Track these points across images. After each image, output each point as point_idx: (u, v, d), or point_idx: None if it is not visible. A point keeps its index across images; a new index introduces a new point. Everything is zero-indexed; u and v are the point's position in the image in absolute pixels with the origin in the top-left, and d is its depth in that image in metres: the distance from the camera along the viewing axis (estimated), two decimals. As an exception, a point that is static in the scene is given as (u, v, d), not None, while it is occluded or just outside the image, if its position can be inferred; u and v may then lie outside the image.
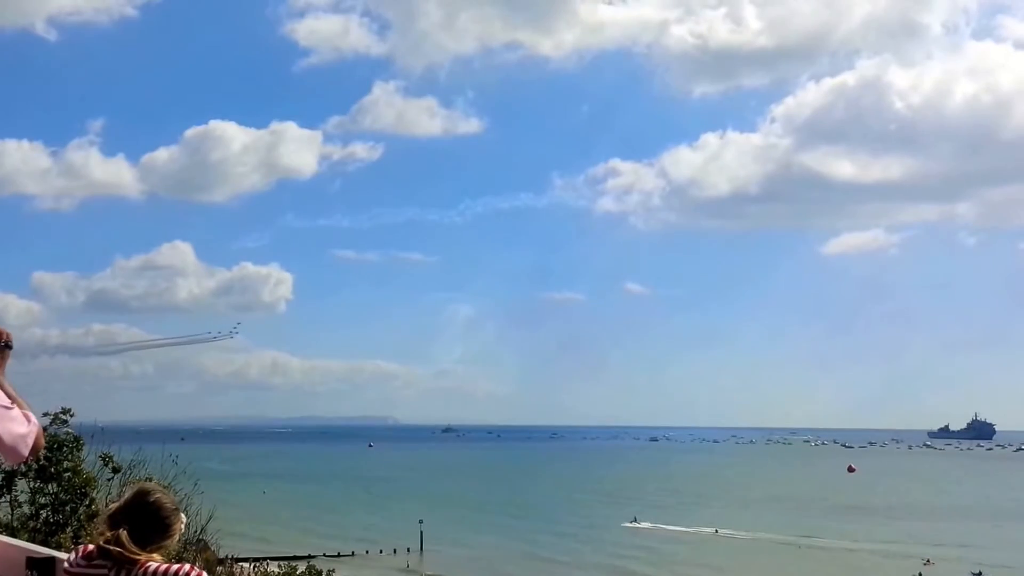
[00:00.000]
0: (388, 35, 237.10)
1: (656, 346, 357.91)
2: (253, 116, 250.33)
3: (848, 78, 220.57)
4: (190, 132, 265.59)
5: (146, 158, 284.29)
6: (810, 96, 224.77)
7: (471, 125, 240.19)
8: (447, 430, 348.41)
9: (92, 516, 11.56)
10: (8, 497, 12.46)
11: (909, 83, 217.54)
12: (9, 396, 3.93)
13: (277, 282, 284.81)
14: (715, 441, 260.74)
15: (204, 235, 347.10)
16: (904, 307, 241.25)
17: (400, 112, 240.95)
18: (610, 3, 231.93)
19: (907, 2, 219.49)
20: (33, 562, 4.59)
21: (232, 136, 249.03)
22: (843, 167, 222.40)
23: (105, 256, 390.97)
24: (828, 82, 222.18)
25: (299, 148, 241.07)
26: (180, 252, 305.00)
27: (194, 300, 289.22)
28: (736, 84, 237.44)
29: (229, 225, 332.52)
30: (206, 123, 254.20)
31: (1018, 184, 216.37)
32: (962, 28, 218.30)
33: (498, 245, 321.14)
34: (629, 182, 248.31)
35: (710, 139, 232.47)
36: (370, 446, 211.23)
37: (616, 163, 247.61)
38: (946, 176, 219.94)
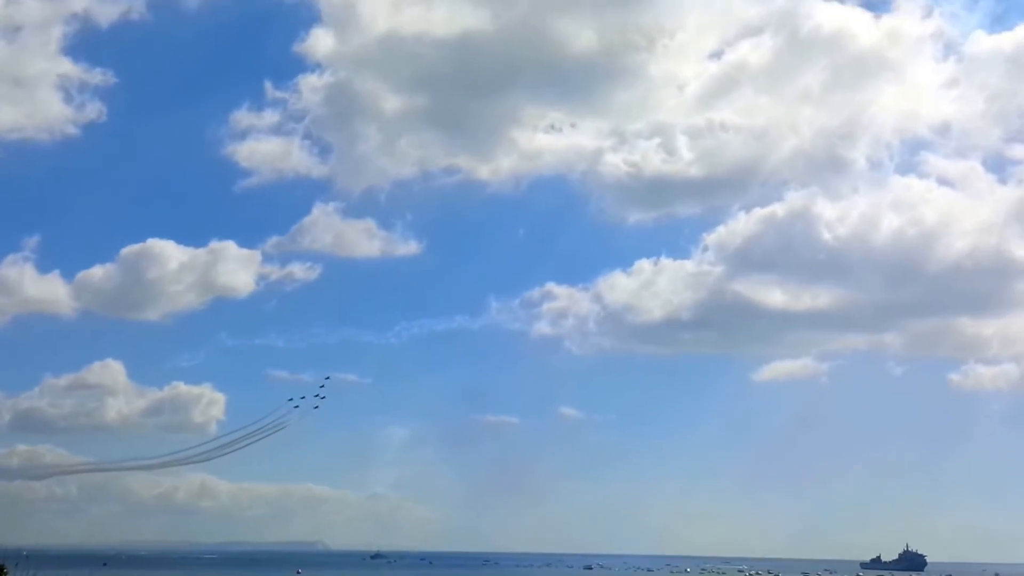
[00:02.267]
0: (329, 158, 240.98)
1: (590, 471, 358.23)
2: (192, 235, 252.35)
3: (778, 209, 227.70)
4: (127, 250, 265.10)
5: (81, 275, 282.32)
6: (741, 225, 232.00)
7: (409, 247, 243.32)
8: (376, 556, 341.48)
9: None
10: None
11: (836, 215, 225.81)
12: None
13: (209, 402, 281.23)
14: (649, 570, 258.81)
15: (136, 354, 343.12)
16: (834, 435, 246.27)
17: (339, 233, 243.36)
18: (547, 131, 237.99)
19: (832, 138, 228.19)
20: None
21: (170, 255, 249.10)
22: (774, 295, 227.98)
23: (34, 374, 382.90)
24: (758, 212, 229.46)
25: (237, 267, 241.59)
26: (111, 371, 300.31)
27: (123, 420, 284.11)
28: (670, 212, 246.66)
29: (163, 344, 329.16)
30: (144, 241, 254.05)
31: (943, 316, 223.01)
32: (886, 163, 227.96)
33: (433, 367, 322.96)
34: (564, 306, 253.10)
35: (644, 265, 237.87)
36: (298, 573, 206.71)
37: (552, 287, 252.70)
38: (874, 306, 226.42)
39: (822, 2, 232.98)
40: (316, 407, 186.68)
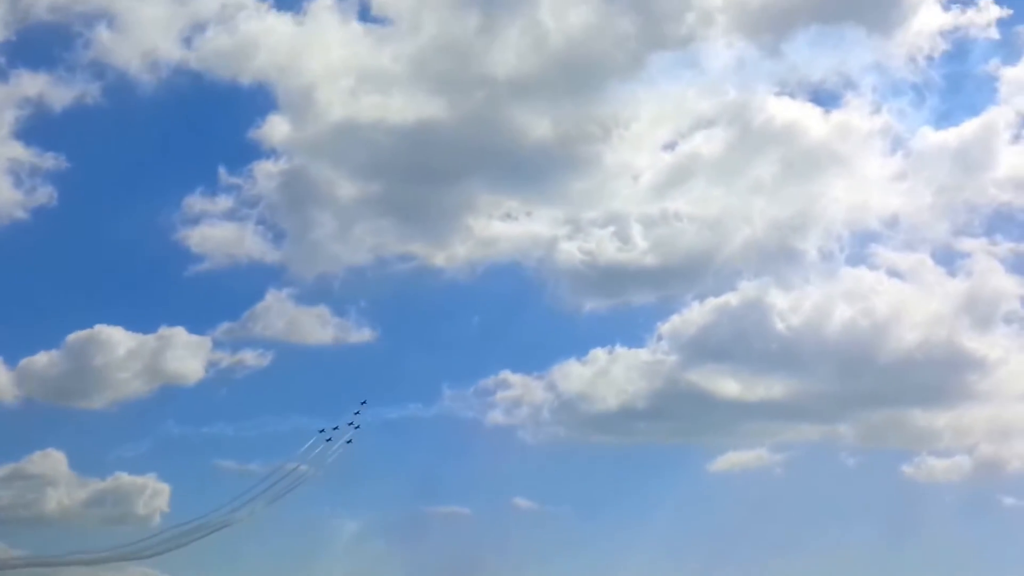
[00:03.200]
0: (283, 243, 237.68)
1: (543, 563, 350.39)
2: (141, 321, 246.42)
3: (731, 298, 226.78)
4: (73, 336, 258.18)
5: (25, 362, 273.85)
6: (695, 314, 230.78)
7: (362, 334, 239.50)
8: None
9: None
10: None
11: (789, 305, 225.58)
12: None
13: (153, 493, 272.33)
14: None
15: (79, 443, 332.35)
16: (789, 527, 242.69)
17: (292, 319, 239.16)
18: (503, 219, 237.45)
19: (784, 228, 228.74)
20: None
21: (118, 341, 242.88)
22: (728, 385, 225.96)
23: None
24: (712, 301, 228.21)
25: (186, 354, 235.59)
26: (52, 461, 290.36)
27: (63, 512, 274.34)
28: (624, 300, 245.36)
29: (107, 433, 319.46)
30: (92, 327, 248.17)
31: (896, 407, 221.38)
32: (837, 255, 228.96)
33: (385, 456, 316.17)
34: (519, 395, 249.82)
35: (599, 354, 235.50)
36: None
37: (507, 375, 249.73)
38: (827, 397, 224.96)
39: (774, 97, 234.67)
40: (349, 440, 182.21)
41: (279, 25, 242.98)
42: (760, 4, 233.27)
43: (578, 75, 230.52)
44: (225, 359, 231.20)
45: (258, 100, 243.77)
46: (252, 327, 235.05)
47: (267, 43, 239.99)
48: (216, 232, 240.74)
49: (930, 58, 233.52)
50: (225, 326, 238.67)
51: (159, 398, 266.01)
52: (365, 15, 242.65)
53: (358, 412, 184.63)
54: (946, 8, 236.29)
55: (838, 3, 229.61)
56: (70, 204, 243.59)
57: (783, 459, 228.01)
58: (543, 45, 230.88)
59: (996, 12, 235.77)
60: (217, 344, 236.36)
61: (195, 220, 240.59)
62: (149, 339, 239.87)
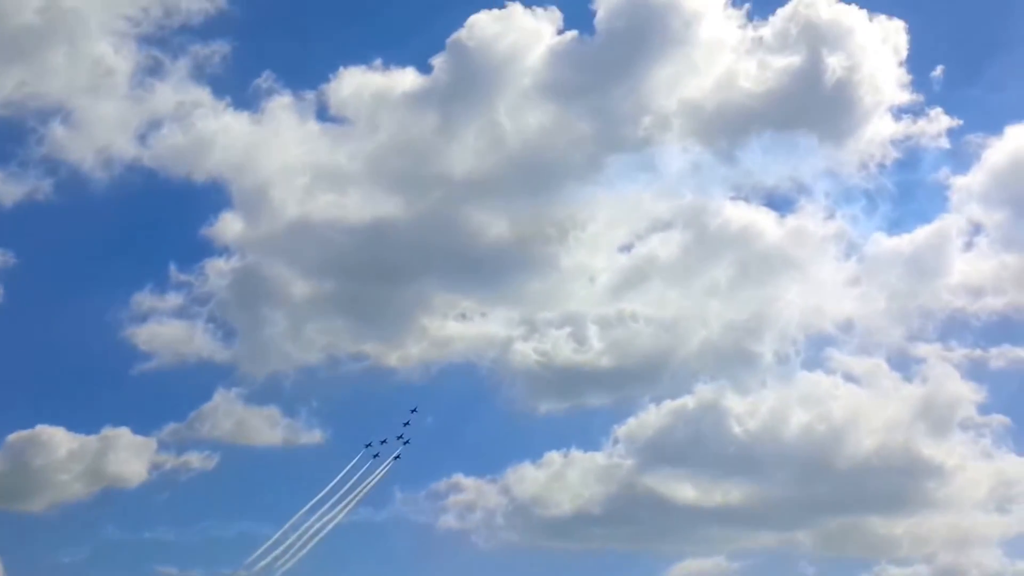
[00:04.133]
0: (233, 342, 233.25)
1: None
2: (84, 422, 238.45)
3: (688, 401, 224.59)
4: (14, 437, 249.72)
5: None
6: (652, 418, 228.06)
7: (313, 436, 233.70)
8: None
9: None
10: None
11: (746, 409, 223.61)
12: None
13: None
14: None
15: (16, 548, 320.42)
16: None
17: (240, 420, 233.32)
18: (457, 319, 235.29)
19: (740, 331, 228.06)
20: None
21: (59, 442, 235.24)
22: (685, 490, 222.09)
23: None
24: (669, 404, 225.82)
25: (130, 456, 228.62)
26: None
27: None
28: (580, 403, 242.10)
29: (45, 537, 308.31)
30: (33, 428, 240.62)
31: (854, 514, 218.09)
32: (793, 358, 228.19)
33: (335, 563, 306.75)
34: (472, 499, 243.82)
35: (554, 457, 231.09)
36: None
37: (459, 479, 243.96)
38: (785, 503, 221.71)
39: (729, 201, 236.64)
40: (397, 456, 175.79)
41: (235, 123, 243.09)
42: (714, 110, 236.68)
43: (535, 176, 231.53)
44: (170, 461, 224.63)
45: (212, 198, 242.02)
46: (199, 428, 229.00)
47: (223, 141, 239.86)
48: (165, 330, 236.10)
49: (882, 166, 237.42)
50: (171, 427, 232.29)
51: (100, 501, 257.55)
52: (323, 114, 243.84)
53: (408, 423, 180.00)
54: (897, 118, 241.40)
55: (790, 111, 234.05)
56: (16, 301, 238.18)
57: (741, 567, 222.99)
58: (500, 145, 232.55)
59: (947, 122, 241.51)
60: (162, 446, 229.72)
61: (144, 318, 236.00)
62: (92, 440, 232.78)
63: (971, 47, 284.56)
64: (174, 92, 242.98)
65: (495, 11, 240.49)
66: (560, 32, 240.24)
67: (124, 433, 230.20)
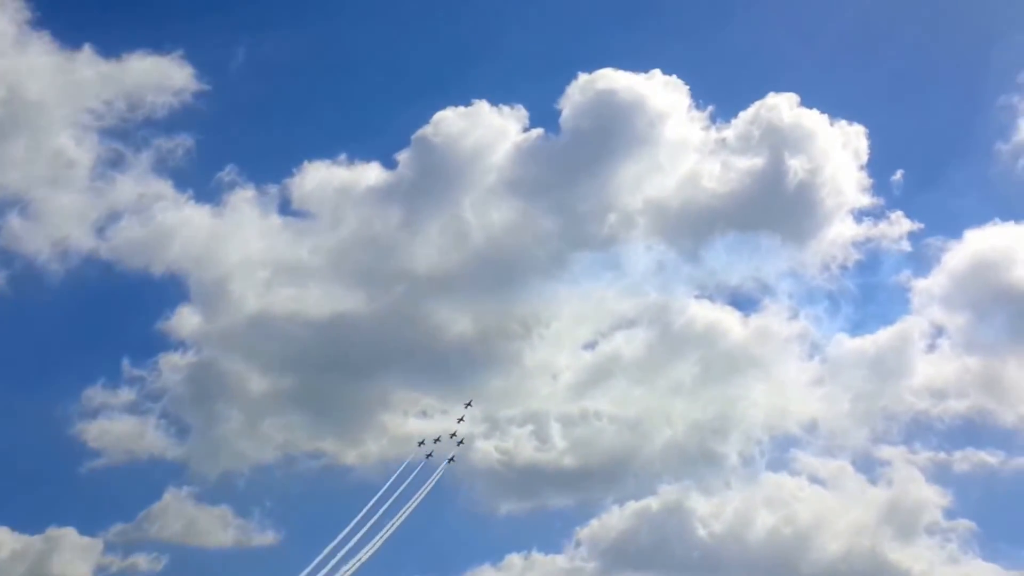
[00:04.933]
0: (186, 439, 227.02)
1: None
2: (29, 521, 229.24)
3: (652, 502, 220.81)
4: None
5: None
6: (615, 519, 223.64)
7: (266, 536, 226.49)
8: None
9: None
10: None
11: (710, 510, 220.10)
12: None
13: None
14: None
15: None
16: None
17: (191, 520, 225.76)
18: (418, 416, 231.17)
19: (705, 431, 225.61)
20: None
21: (2, 542, 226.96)
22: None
23: None
24: (632, 505, 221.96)
25: (74, 557, 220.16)
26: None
27: None
28: (542, 503, 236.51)
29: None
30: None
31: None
32: (757, 459, 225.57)
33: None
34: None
35: (515, 560, 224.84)
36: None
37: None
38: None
39: (694, 300, 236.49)
40: (452, 459, 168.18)
41: (196, 216, 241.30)
42: (679, 209, 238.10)
43: (499, 272, 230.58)
44: (115, 563, 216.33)
45: (169, 291, 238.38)
46: (147, 528, 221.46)
47: (182, 234, 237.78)
48: (116, 426, 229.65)
49: (844, 267, 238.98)
50: (118, 527, 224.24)
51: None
52: (286, 208, 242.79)
53: (462, 419, 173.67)
54: (858, 220, 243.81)
55: (753, 211, 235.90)
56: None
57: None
58: (465, 241, 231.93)
59: (907, 225, 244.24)
60: (108, 547, 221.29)
61: (94, 413, 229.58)
62: (35, 540, 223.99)
63: (929, 152, 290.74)
64: (135, 185, 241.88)
65: (461, 108, 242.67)
66: (526, 130, 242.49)
67: (69, 533, 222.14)
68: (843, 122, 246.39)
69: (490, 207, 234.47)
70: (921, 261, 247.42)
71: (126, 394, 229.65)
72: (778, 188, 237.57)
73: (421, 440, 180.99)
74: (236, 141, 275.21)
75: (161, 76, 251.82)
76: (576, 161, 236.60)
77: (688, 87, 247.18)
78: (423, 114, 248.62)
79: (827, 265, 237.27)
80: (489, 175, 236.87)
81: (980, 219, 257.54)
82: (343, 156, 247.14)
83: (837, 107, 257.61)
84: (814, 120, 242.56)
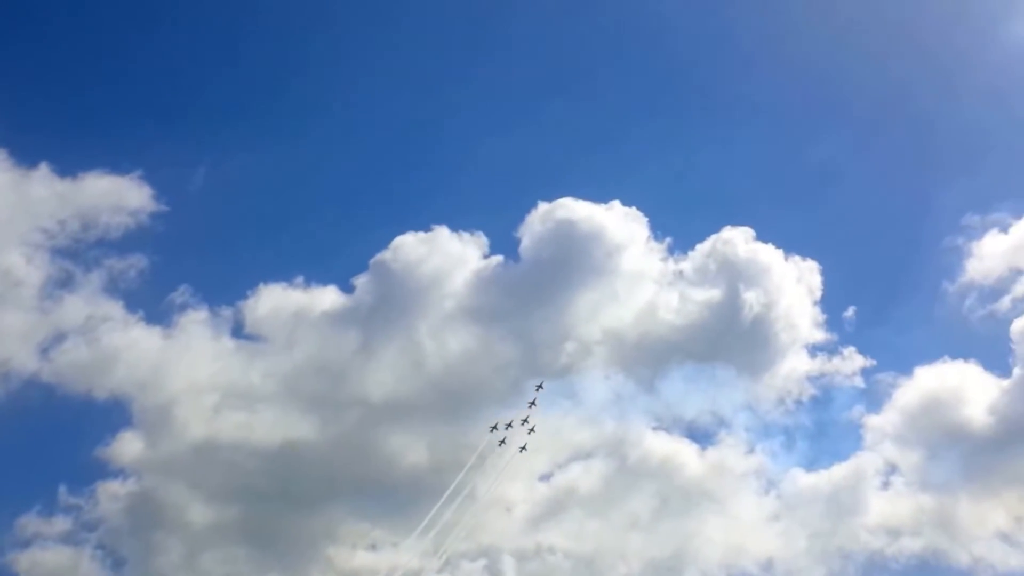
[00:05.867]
0: (122, 571, 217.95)
1: None
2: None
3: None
4: None
5: None
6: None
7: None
8: None
9: None
10: None
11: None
12: None
13: None
14: None
15: None
16: None
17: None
18: (367, 549, 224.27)
19: (661, 569, 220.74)
20: None
21: None
22: None
23: None
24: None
25: None
26: None
27: None
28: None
29: None
30: None
31: None
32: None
33: None
34: None
35: None
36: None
37: None
38: None
39: (651, 432, 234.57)
40: (524, 447, 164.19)
41: (145, 338, 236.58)
42: (636, 339, 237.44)
43: (455, 401, 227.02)
44: None
45: (112, 416, 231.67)
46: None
47: (129, 357, 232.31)
48: (49, 556, 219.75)
49: (799, 402, 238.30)
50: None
51: None
52: (238, 331, 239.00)
53: (533, 403, 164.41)
54: (812, 355, 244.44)
55: (710, 343, 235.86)
56: None
57: None
58: (421, 368, 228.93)
59: (860, 361, 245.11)
60: None
61: (27, 543, 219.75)
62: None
63: (880, 290, 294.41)
64: (84, 305, 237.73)
65: (421, 233, 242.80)
66: (486, 256, 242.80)
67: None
68: (797, 257, 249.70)
69: (448, 334, 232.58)
70: (873, 397, 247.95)
71: (61, 523, 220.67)
72: (734, 321, 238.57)
73: (494, 425, 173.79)
74: (191, 262, 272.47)
75: (118, 196, 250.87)
76: (535, 289, 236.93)
77: (647, 218, 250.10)
78: (383, 239, 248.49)
79: (782, 399, 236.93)
80: (447, 301, 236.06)
81: (930, 356, 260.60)
82: (300, 279, 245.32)
83: (791, 242, 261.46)
84: (769, 254, 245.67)
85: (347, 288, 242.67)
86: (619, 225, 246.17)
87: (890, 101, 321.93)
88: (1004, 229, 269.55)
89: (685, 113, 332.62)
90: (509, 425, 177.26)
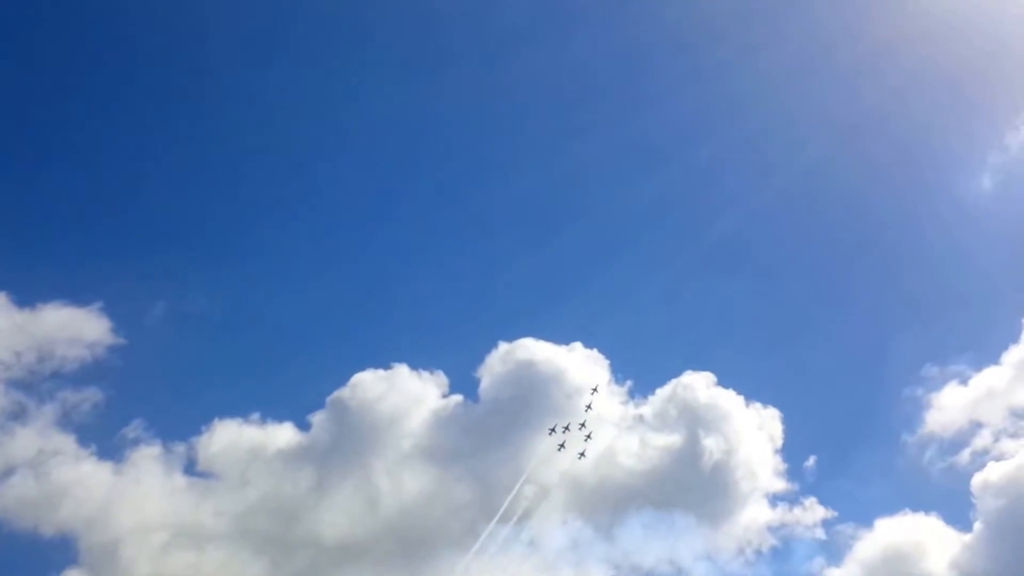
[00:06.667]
0: None
1: None
2: None
3: None
4: None
5: None
6: None
7: None
8: None
9: None
10: None
11: None
12: None
13: None
14: None
15: None
16: None
17: None
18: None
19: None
20: None
21: None
22: None
23: None
24: None
25: None
26: None
27: None
28: None
29: None
30: None
31: None
32: None
33: None
34: None
35: None
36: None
37: None
38: None
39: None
40: (583, 454, 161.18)
41: (96, 473, 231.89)
42: (595, 483, 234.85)
43: (410, 542, 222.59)
44: None
45: (57, 553, 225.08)
46: None
47: (79, 492, 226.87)
48: None
49: (759, 552, 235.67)
50: None
51: None
52: (191, 468, 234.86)
53: (590, 407, 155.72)
54: (773, 504, 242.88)
55: (669, 490, 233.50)
56: None
57: None
58: (376, 509, 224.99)
59: (821, 512, 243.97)
60: None
61: None
62: None
63: (841, 440, 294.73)
64: (37, 437, 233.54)
65: (381, 371, 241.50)
66: (445, 396, 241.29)
67: None
68: (758, 404, 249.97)
69: (404, 474, 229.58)
70: (834, 549, 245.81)
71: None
72: (694, 467, 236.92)
73: (552, 428, 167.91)
74: (147, 397, 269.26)
75: (76, 328, 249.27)
76: (493, 430, 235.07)
77: (608, 361, 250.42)
78: (342, 375, 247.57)
79: (742, 549, 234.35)
80: (405, 441, 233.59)
81: (891, 508, 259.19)
82: (256, 415, 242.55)
83: (752, 389, 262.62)
84: (730, 400, 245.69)
85: (303, 425, 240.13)
86: (580, 367, 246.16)
87: (852, 250, 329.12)
88: (963, 382, 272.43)
89: (648, 257, 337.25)
90: (567, 427, 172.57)
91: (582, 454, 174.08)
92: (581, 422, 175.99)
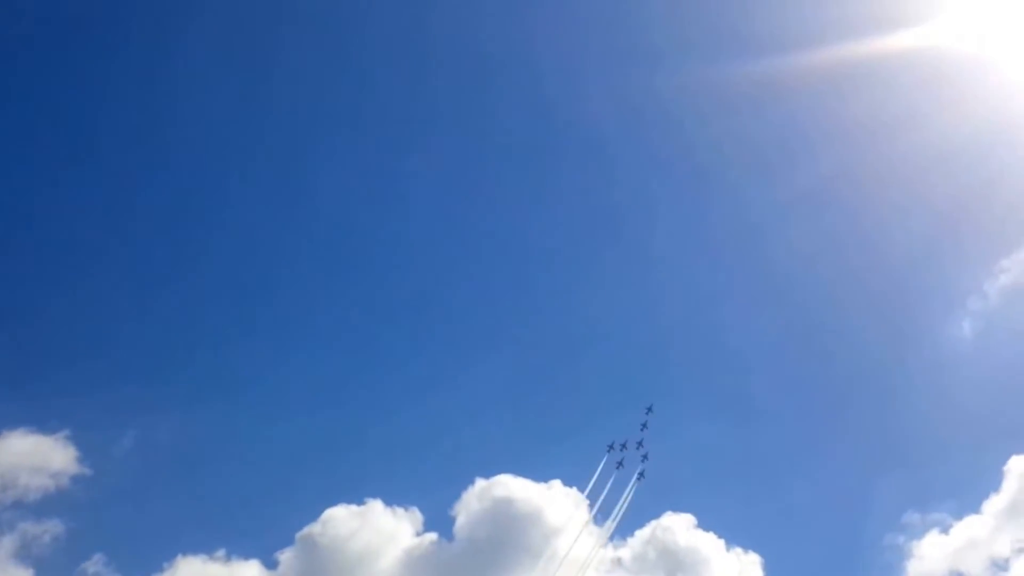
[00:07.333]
0: None
1: None
2: None
3: None
4: None
5: None
6: None
7: None
8: None
9: None
10: None
11: None
12: None
13: None
14: None
15: None
16: None
17: None
18: None
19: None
20: None
21: None
22: None
23: None
24: None
25: None
26: None
27: None
28: None
29: None
30: None
31: None
32: None
33: None
34: None
35: None
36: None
37: None
38: None
39: None
40: (641, 474, 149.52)
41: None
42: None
43: None
44: None
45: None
46: None
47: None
48: None
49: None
50: None
51: None
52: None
53: (645, 425, 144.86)
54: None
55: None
56: None
57: None
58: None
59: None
60: None
61: None
62: None
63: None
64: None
65: (353, 507, 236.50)
66: (419, 534, 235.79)
67: None
68: (739, 549, 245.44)
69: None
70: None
71: None
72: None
73: (611, 444, 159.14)
74: (109, 529, 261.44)
75: (41, 457, 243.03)
76: (468, 570, 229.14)
77: (588, 500, 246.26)
78: (313, 510, 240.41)
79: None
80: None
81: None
82: (221, 552, 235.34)
83: (733, 533, 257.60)
84: (710, 544, 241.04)
85: (270, 563, 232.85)
86: (558, 506, 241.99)
87: (834, 396, 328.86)
88: (945, 530, 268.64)
89: (629, 394, 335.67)
90: (624, 446, 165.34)
91: (641, 474, 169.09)
92: (639, 441, 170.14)
